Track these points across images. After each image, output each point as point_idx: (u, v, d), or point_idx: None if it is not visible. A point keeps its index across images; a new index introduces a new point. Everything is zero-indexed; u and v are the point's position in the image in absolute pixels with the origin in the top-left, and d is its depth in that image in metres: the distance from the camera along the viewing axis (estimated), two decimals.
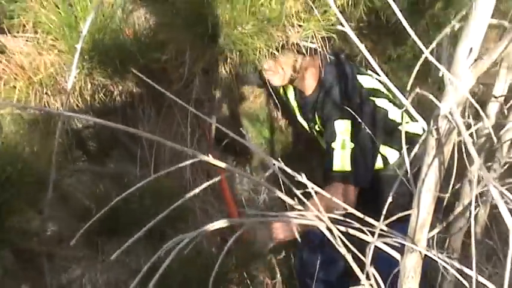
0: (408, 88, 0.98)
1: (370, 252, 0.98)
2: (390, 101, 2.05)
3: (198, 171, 1.96)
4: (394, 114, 2.04)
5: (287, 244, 2.30)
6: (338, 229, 1.03)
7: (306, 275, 2.27)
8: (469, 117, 1.01)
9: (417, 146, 1.07)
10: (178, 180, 1.87)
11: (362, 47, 0.91)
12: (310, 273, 2.21)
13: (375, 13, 2.20)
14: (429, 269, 1.57)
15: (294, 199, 1.05)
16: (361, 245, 1.05)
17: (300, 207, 1.08)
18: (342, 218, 1.07)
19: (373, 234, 1.03)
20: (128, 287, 1.00)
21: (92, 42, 1.38)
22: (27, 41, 1.41)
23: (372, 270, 0.99)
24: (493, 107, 1.24)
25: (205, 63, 1.41)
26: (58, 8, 1.42)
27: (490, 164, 1.27)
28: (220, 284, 1.61)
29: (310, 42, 1.53)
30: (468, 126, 0.96)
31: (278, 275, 2.30)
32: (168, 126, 1.82)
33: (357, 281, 1.03)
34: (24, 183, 1.18)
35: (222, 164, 1.05)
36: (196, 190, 1.01)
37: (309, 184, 0.99)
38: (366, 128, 1.89)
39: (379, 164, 2.04)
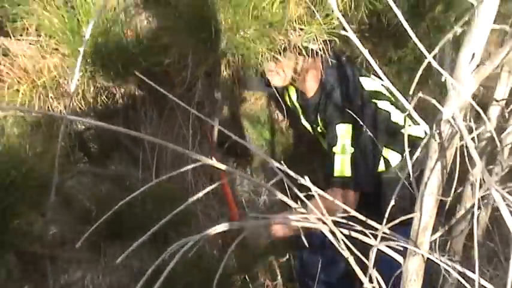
0: (411, 92, 0.99)
1: (373, 256, 0.99)
2: (392, 104, 2.05)
3: (199, 174, 1.97)
4: (396, 116, 2.04)
5: (287, 246, 2.31)
6: (341, 232, 1.03)
7: (307, 276, 2.28)
8: (470, 121, 1.02)
9: (419, 150, 1.07)
10: (180, 182, 1.88)
11: (366, 52, 0.92)
12: (310, 275, 2.22)
13: (376, 15, 2.21)
14: (432, 271, 1.57)
15: (294, 201, 1.06)
16: (363, 247, 1.06)
17: (302, 210, 1.09)
18: (344, 221, 1.08)
19: (375, 237, 1.04)
20: None
21: (94, 46, 1.39)
22: (30, 44, 1.41)
23: (374, 273, 0.99)
24: (494, 111, 1.25)
25: (208, 66, 1.41)
26: (59, 10, 1.43)
27: (491, 167, 1.28)
28: (223, 287, 1.62)
29: (311, 43, 1.54)
30: (470, 130, 0.96)
31: (279, 277, 2.31)
32: (170, 129, 1.82)
33: (359, 283, 1.04)
34: (28, 186, 1.18)
35: (224, 167, 1.06)
36: (200, 194, 1.01)
37: (313, 188, 1.00)
38: (367, 131, 1.90)
39: (381, 166, 2.04)
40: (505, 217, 0.73)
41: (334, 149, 1.97)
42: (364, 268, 1.05)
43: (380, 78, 1.01)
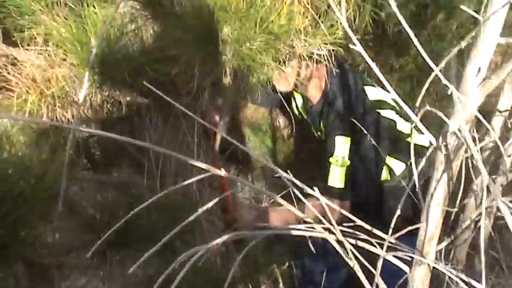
0: (417, 104, 1.00)
1: (379, 265, 1.01)
2: (397, 113, 2.07)
3: (203, 180, 1.97)
4: (401, 125, 2.06)
5: (289, 254, 2.32)
6: (348, 242, 1.05)
7: (308, 283, 2.29)
8: (473, 131, 1.03)
9: (424, 160, 1.09)
10: (184, 189, 1.88)
11: (373, 65, 0.94)
12: (312, 281, 2.23)
13: (377, 24, 2.23)
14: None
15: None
16: (363, 254, 1.07)
17: (309, 219, 1.11)
18: (350, 230, 1.09)
19: (381, 246, 1.05)
20: None
21: (102, 56, 1.40)
22: (39, 54, 1.43)
23: (381, 282, 1.01)
24: (497, 121, 1.26)
25: (214, 77, 1.43)
26: (67, 20, 1.44)
27: (493, 177, 1.30)
28: None
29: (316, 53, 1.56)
30: (474, 140, 0.98)
31: (281, 285, 2.31)
32: (174, 137, 1.83)
33: None
34: (37, 198, 1.19)
35: (231, 177, 1.07)
36: (210, 204, 1.03)
37: (322, 198, 1.01)
38: (367, 141, 1.93)
39: (384, 175, 2.06)
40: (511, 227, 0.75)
41: (331, 159, 2.02)
42: (368, 275, 1.06)
43: (386, 90, 1.03)
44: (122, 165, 2.12)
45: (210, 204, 1.02)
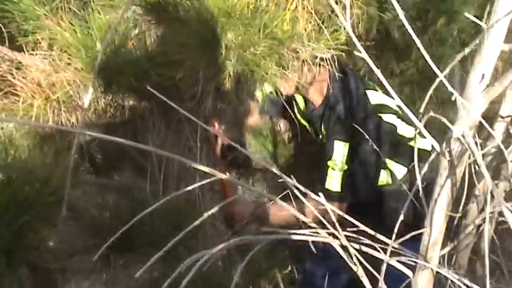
0: (421, 110, 1.01)
1: (383, 270, 1.01)
2: (399, 117, 2.08)
3: (205, 184, 1.98)
4: (402, 129, 2.07)
5: (290, 258, 2.32)
6: (351, 246, 1.05)
7: (309, 287, 2.29)
8: (475, 137, 1.04)
9: (426, 165, 1.10)
10: (186, 193, 1.89)
11: (378, 72, 0.95)
12: (313, 285, 2.23)
13: (378, 28, 2.24)
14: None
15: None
16: (366, 258, 1.08)
17: (314, 224, 1.11)
18: (354, 235, 1.10)
19: (384, 251, 1.06)
20: None
21: (106, 60, 1.41)
22: (44, 58, 1.44)
23: (385, 287, 1.01)
24: (499, 127, 1.27)
25: (218, 82, 1.44)
26: (72, 25, 1.45)
27: (496, 182, 1.30)
28: None
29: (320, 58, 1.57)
30: (477, 146, 0.98)
31: None
32: (177, 141, 1.84)
33: None
34: (41, 203, 1.20)
35: (237, 182, 1.08)
36: (213, 210, 1.04)
37: (328, 206, 1.02)
38: (368, 146, 1.95)
39: (385, 179, 2.07)
40: None
41: (329, 163, 2.05)
42: (369, 280, 1.07)
43: (389, 95, 1.04)
44: (124, 169, 2.13)
45: (214, 210, 1.03)
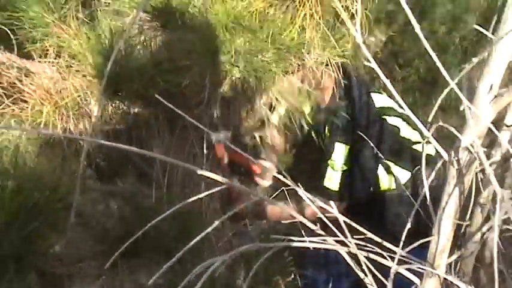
0: (430, 119, 1.02)
1: (391, 278, 1.02)
2: (404, 120, 2.09)
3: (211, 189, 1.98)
4: (405, 132, 2.08)
5: (292, 265, 2.32)
6: (351, 251, 1.06)
7: None
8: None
9: (433, 173, 1.11)
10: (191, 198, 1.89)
11: (387, 81, 0.96)
12: None
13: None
14: None
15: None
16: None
17: (321, 231, 1.12)
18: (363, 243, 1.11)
19: (390, 258, 1.07)
20: None
21: (115, 67, 1.42)
22: (53, 65, 1.45)
23: None
24: (505, 136, 1.28)
25: (226, 88, 1.45)
26: (79, 32, 1.46)
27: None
28: None
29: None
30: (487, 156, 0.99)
31: None
32: (181, 148, 1.85)
33: None
34: (50, 209, 1.21)
35: (246, 191, 1.09)
36: (222, 219, 1.05)
37: (340, 216, 1.03)
38: (367, 152, 1.97)
39: (388, 184, 2.08)
40: None
41: (329, 162, 2.08)
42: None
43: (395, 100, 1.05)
44: (128, 175, 2.13)
45: (221, 219, 1.04)
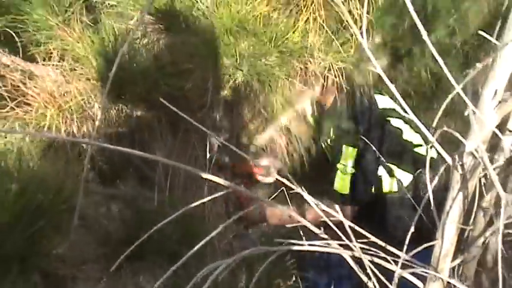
0: (434, 124, 1.03)
1: (395, 282, 1.02)
2: (406, 122, 2.10)
3: (213, 192, 1.98)
4: (408, 135, 2.09)
5: (293, 268, 2.33)
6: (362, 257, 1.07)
7: None
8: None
9: (437, 178, 1.11)
10: (194, 200, 1.89)
11: (393, 87, 0.96)
12: None
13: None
14: None
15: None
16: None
17: (324, 235, 1.12)
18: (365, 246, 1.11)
19: (394, 261, 1.07)
20: None
21: (118, 71, 1.42)
22: (56, 68, 1.45)
23: None
24: (507, 141, 1.29)
25: (229, 91, 1.46)
26: (83, 35, 1.46)
27: None
28: None
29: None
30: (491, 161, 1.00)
31: None
32: (183, 151, 1.85)
33: None
34: (54, 211, 1.21)
35: (253, 196, 1.09)
36: (226, 223, 1.05)
37: (346, 221, 1.03)
38: (369, 155, 1.98)
39: (390, 187, 2.08)
40: None
41: (338, 165, 2.09)
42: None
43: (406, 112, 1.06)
44: (130, 178, 2.13)
45: (226, 223, 1.04)
